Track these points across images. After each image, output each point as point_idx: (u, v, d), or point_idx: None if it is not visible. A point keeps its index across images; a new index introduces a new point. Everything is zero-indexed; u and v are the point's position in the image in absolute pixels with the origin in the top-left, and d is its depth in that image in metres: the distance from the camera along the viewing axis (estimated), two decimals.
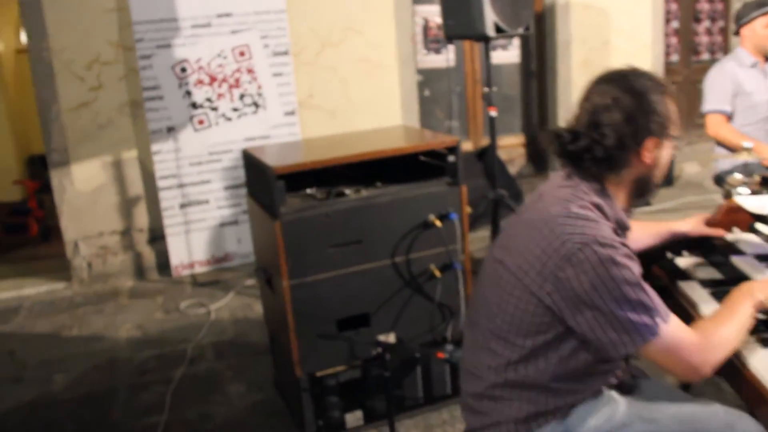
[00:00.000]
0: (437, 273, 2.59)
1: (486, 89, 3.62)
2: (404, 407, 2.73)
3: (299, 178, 2.49)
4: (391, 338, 2.61)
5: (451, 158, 2.56)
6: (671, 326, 1.44)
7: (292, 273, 2.39)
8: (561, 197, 1.55)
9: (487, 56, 3.57)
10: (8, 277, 4.89)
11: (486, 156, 4.82)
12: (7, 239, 5.81)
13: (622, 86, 1.54)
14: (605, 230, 1.48)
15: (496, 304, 1.57)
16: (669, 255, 2.12)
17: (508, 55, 6.06)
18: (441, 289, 2.61)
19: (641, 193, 1.63)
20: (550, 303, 1.47)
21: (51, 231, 5.66)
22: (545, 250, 1.47)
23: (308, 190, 2.58)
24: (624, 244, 1.49)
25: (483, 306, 1.63)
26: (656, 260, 2.12)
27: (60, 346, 3.78)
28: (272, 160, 2.45)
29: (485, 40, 3.46)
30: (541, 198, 1.61)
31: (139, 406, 3.08)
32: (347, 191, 2.52)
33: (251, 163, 2.63)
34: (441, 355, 2.46)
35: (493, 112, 3.65)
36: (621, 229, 1.59)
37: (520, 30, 3.49)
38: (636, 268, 1.46)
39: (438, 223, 2.52)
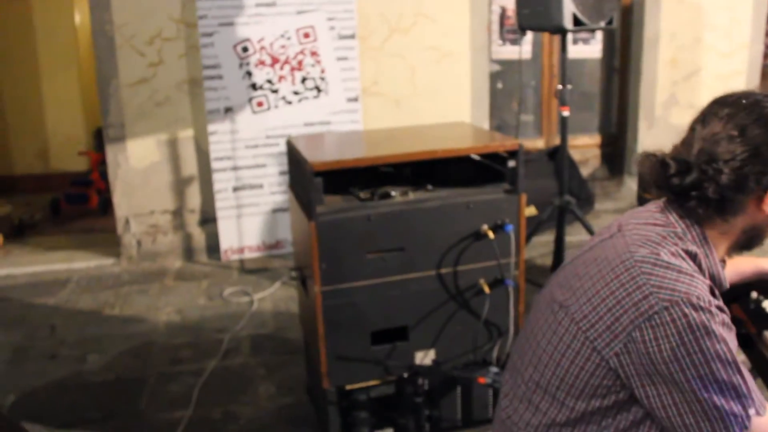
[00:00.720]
0: (486, 288, 2.34)
1: (560, 87, 3.32)
2: (440, 429, 2.50)
3: (342, 175, 2.28)
4: (429, 357, 2.38)
5: (511, 163, 2.30)
6: (766, 420, 1.14)
7: (326, 278, 2.19)
8: (649, 237, 1.25)
9: (563, 50, 3.26)
10: (63, 248, 4.89)
11: (556, 157, 4.50)
12: (68, 209, 5.84)
13: (753, 114, 1.25)
14: (701, 288, 1.18)
15: (549, 354, 1.29)
16: (754, 295, 1.80)
17: (589, 49, 5.68)
18: (489, 306, 2.36)
19: (747, 245, 1.32)
20: (616, 365, 1.19)
21: (111, 204, 5.64)
22: (621, 301, 1.19)
23: (351, 189, 2.37)
24: (721, 308, 1.19)
25: (532, 351, 1.35)
26: (737, 297, 1.80)
27: (99, 324, 3.71)
28: (312, 153, 2.24)
29: (562, 33, 3.15)
30: (621, 233, 1.31)
31: (165, 398, 2.96)
32: (393, 192, 2.29)
33: (292, 153, 2.43)
34: (483, 380, 2.23)
35: (566, 112, 3.34)
36: (717, 287, 1.29)
37: (602, 24, 3.17)
38: (733, 340, 1.17)
39: (491, 234, 2.27)
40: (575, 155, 5.40)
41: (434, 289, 2.32)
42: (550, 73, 5.47)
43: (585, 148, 5.80)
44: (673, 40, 5.35)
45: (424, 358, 2.38)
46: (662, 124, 5.54)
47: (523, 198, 2.33)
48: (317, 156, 2.24)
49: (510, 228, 2.28)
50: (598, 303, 1.23)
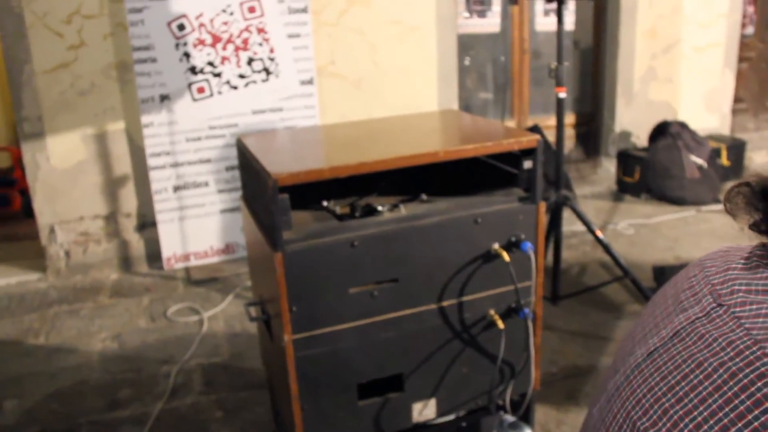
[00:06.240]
0: (499, 323, 1.87)
1: (554, 64, 2.85)
2: None
3: (310, 185, 1.77)
4: (429, 409, 1.90)
5: (527, 163, 1.82)
6: None
7: (298, 324, 1.68)
8: (763, 309, 0.78)
9: (560, 21, 2.78)
10: None
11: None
12: None
13: None
14: None
15: None
16: None
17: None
18: (502, 341, 1.89)
19: None
20: None
21: None
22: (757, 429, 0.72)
23: (324, 203, 1.86)
24: None
25: None
26: None
27: (21, 359, 3.12)
28: (272, 159, 1.72)
29: (560, 0, 2.68)
30: (727, 311, 0.83)
31: None
32: (380, 207, 1.79)
33: (245, 158, 1.90)
34: None
35: (562, 93, 2.89)
36: None
37: None
38: None
39: (505, 255, 1.79)
40: (547, 136, 4.98)
41: (434, 327, 1.84)
42: (521, 48, 5.01)
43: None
44: (651, 9, 4.95)
45: (424, 410, 1.91)
46: (641, 101, 5.16)
47: (542, 207, 1.86)
48: (280, 163, 1.71)
49: (528, 246, 1.81)
50: (703, 408, 0.75)
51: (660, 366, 0.83)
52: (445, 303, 1.83)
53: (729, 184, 5.03)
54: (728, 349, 0.75)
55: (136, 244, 4.06)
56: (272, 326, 1.86)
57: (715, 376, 0.74)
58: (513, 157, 1.86)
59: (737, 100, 5.72)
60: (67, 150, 3.84)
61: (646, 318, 0.96)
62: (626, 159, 4.99)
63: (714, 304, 0.82)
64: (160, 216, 3.82)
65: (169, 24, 3.65)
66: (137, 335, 3.29)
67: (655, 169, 4.79)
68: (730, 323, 0.77)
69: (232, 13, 3.76)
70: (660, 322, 0.90)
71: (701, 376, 0.75)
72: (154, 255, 3.99)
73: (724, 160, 5.11)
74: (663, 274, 3.45)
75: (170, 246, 3.89)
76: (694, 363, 0.77)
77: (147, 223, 4.02)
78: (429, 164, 1.80)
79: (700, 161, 4.78)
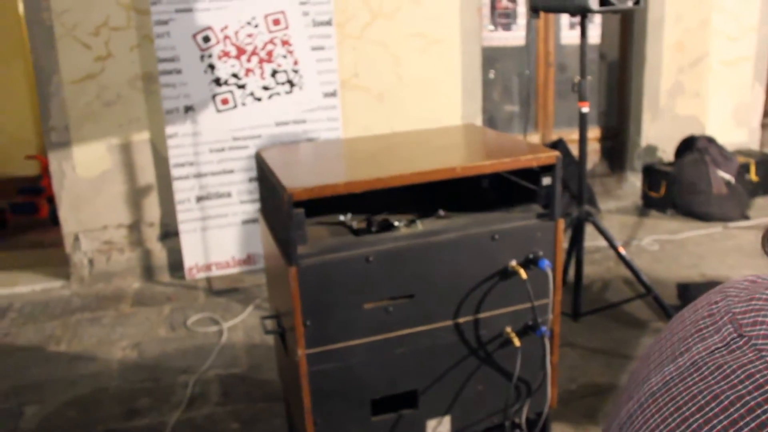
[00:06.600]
0: (516, 340, 1.84)
1: (578, 78, 2.83)
2: None
3: (327, 199, 1.77)
4: (444, 426, 1.88)
5: (546, 180, 1.80)
6: None
7: (312, 338, 1.67)
8: None
9: (583, 35, 2.76)
10: (6, 268, 4.31)
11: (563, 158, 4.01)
12: (15, 220, 5.24)
13: None
14: None
15: None
16: None
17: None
18: (518, 359, 1.87)
19: None
20: None
21: None
22: None
23: (341, 217, 1.85)
24: None
25: None
26: None
27: (42, 365, 3.16)
28: (289, 173, 1.72)
29: (585, 13, 2.66)
30: (749, 343, 0.79)
31: None
32: (396, 222, 1.79)
33: (263, 171, 1.90)
34: None
35: (585, 108, 2.86)
36: None
37: (629, 3, 2.67)
38: None
39: (523, 273, 1.77)
40: (573, 150, 4.94)
41: (450, 343, 1.82)
42: (545, 62, 4.98)
43: None
44: (679, 23, 4.90)
45: (438, 427, 1.89)
46: (667, 115, 5.10)
47: (560, 224, 1.84)
48: (296, 178, 1.72)
49: (545, 264, 1.79)
50: None
51: (675, 396, 0.80)
52: (461, 320, 1.81)
53: (758, 200, 4.94)
54: (747, 383, 0.72)
55: (159, 253, 4.09)
56: (287, 342, 1.86)
57: (731, 410, 0.71)
58: (532, 173, 1.85)
59: (766, 114, 5.63)
60: (92, 159, 3.89)
61: (662, 343, 0.94)
62: (652, 174, 4.93)
63: (735, 335, 0.80)
64: (182, 226, 3.85)
65: (194, 36, 3.69)
66: (157, 344, 3.31)
67: (682, 184, 4.72)
68: (750, 355, 0.75)
69: (257, 26, 3.79)
70: (677, 349, 0.88)
71: (717, 410, 0.73)
72: (176, 264, 4.02)
73: (753, 176, 5.02)
74: (687, 291, 3.39)
75: (192, 256, 3.91)
76: (710, 395, 0.75)
77: (170, 233, 4.05)
78: (447, 180, 1.79)
79: (727, 176, 4.70)
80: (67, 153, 3.84)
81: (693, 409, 0.75)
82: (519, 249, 1.80)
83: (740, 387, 0.72)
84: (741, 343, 0.78)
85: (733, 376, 0.74)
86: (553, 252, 1.83)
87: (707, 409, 0.74)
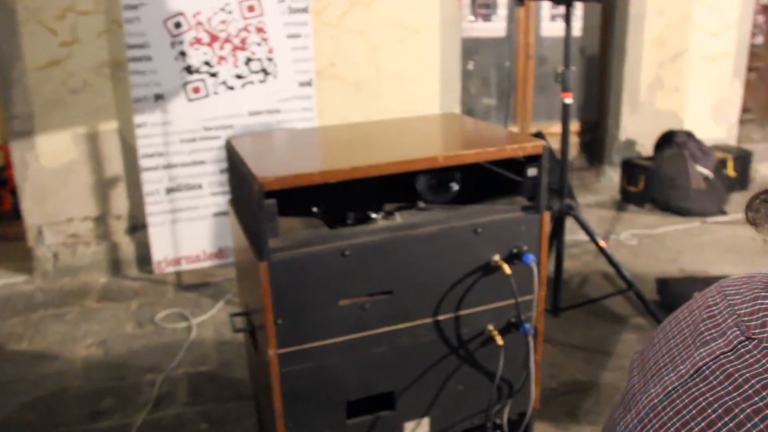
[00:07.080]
0: (498, 338, 1.76)
1: (561, 69, 2.75)
2: None
3: (301, 188, 1.66)
4: (422, 428, 1.79)
5: (531, 171, 1.71)
6: None
7: (284, 338, 1.57)
8: None
9: (568, 24, 2.68)
10: None
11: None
12: None
13: None
14: None
15: None
16: None
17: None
18: (501, 358, 1.78)
19: None
20: None
21: None
22: None
23: (314, 209, 1.75)
24: None
25: None
26: None
27: (1, 364, 3.02)
28: (260, 163, 1.61)
29: (569, 3, 2.58)
30: (757, 345, 0.71)
31: None
32: (374, 215, 1.69)
33: (234, 160, 1.79)
34: None
35: (568, 99, 2.79)
36: None
37: None
38: None
39: (506, 268, 1.68)
40: (551, 143, 4.88)
41: (429, 342, 1.73)
42: (526, 53, 4.91)
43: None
44: (660, 17, 4.85)
45: (416, 429, 1.80)
46: (646, 110, 5.06)
47: (546, 217, 1.75)
48: (268, 166, 1.61)
49: (530, 258, 1.70)
50: None
51: (680, 409, 0.71)
52: (441, 317, 1.72)
53: (735, 196, 4.93)
54: (763, 393, 0.63)
55: (126, 246, 3.95)
56: (257, 339, 1.76)
57: (748, 425, 0.63)
58: (516, 164, 1.76)
59: (744, 110, 5.62)
60: (57, 149, 3.74)
61: (658, 349, 0.85)
62: (631, 168, 4.89)
63: (742, 338, 0.71)
64: (151, 218, 3.72)
65: (165, 22, 3.56)
66: (123, 341, 3.18)
67: (660, 178, 4.69)
68: (763, 361, 0.66)
69: (230, 12, 3.67)
70: (677, 356, 0.79)
71: (731, 424, 0.64)
72: (144, 258, 3.88)
73: (731, 171, 5.01)
74: (666, 286, 3.34)
75: (161, 249, 3.79)
76: (721, 408, 0.66)
77: (138, 226, 3.91)
78: (425, 169, 1.69)
79: (705, 172, 4.67)
80: (31, 143, 3.68)
81: (703, 424, 0.66)
82: (503, 243, 1.71)
83: (756, 398, 0.63)
84: (750, 346, 0.69)
85: (746, 386, 0.65)
86: (538, 246, 1.75)
87: (720, 423, 0.65)
